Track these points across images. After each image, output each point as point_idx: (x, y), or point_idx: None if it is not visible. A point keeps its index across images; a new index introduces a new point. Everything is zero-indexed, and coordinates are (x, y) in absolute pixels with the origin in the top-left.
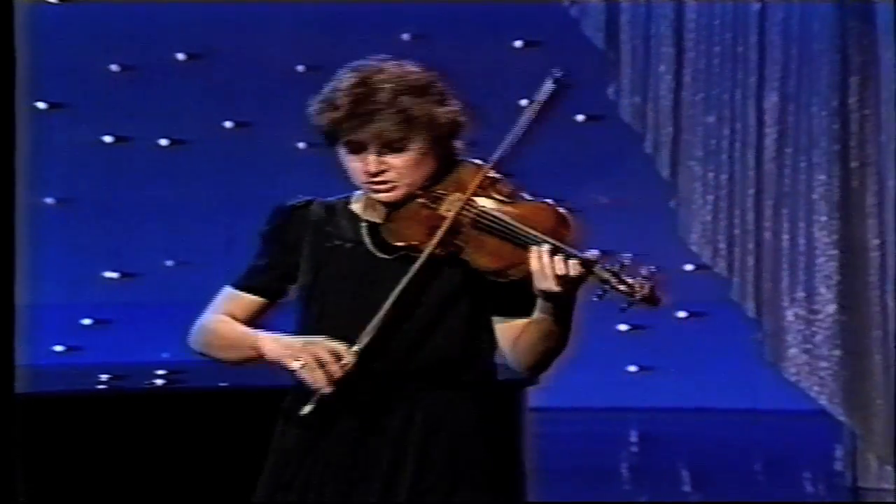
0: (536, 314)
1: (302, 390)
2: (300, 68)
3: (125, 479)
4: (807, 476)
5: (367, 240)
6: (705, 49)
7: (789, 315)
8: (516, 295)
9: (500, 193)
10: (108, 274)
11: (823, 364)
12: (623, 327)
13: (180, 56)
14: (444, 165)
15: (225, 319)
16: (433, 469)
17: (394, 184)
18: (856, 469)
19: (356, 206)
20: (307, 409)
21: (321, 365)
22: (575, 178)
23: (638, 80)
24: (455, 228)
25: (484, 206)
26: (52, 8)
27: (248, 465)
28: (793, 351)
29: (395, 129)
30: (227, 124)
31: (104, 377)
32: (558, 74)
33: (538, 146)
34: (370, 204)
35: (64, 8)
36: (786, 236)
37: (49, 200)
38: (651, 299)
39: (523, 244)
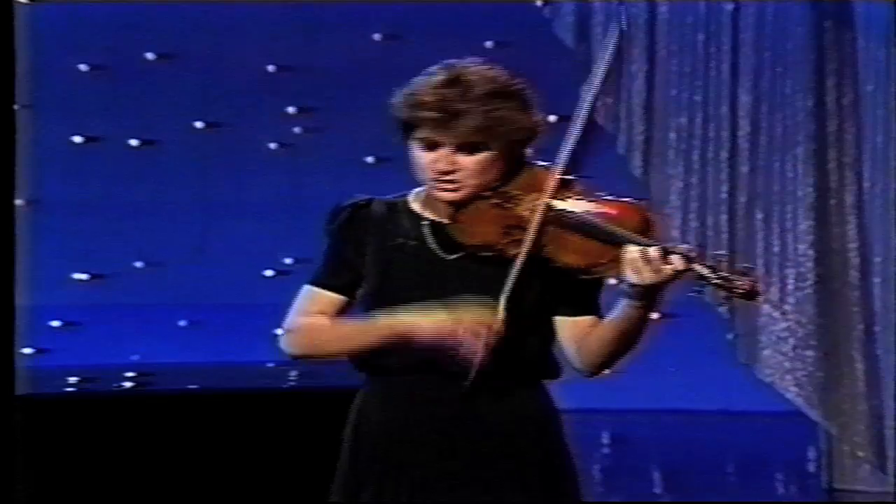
0: (619, 313)
1: (377, 388)
2: (271, 68)
3: (92, 483)
4: (780, 477)
5: (429, 239)
6: (677, 49)
7: (763, 316)
8: (585, 293)
9: (577, 193)
10: (77, 275)
11: (798, 365)
12: None
13: (150, 56)
14: (512, 169)
15: (324, 316)
16: (518, 467)
17: (460, 184)
18: (832, 470)
19: (416, 205)
20: (471, 377)
21: (477, 338)
22: None
23: (610, 81)
24: (538, 228)
25: (567, 206)
26: (20, 7)
27: (220, 466)
28: (766, 352)
29: (475, 132)
30: (198, 124)
31: (73, 380)
32: (622, 24)
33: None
34: (431, 202)
35: (32, 7)
36: (760, 236)
37: (17, 201)
38: (752, 294)
39: (610, 241)
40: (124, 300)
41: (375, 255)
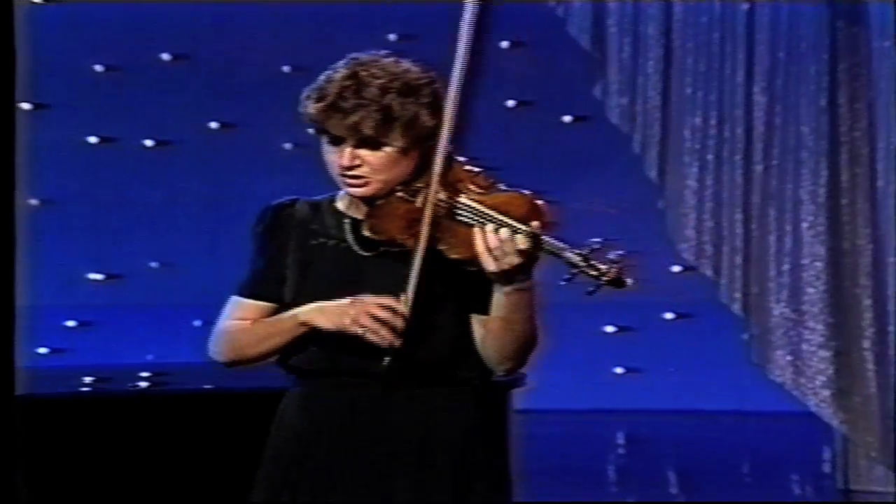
0: (495, 304)
1: (298, 391)
2: (286, 69)
3: (106, 482)
4: (795, 478)
5: (349, 236)
6: (693, 49)
7: (776, 316)
8: (487, 290)
9: (477, 186)
10: (93, 275)
11: (811, 365)
12: (610, 329)
13: (165, 56)
14: (426, 162)
15: (246, 321)
16: (434, 467)
17: (366, 179)
18: (847, 471)
19: (341, 204)
20: (386, 361)
21: (382, 323)
22: (562, 180)
23: (625, 81)
24: (434, 221)
25: (459, 198)
26: (37, 8)
27: (234, 466)
28: (779, 352)
29: (372, 126)
30: (213, 125)
31: (88, 379)
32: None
33: (525, 147)
34: (354, 200)
35: (48, 8)
36: (773, 237)
37: (32, 201)
38: (617, 282)
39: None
40: (139, 300)
41: (295, 255)
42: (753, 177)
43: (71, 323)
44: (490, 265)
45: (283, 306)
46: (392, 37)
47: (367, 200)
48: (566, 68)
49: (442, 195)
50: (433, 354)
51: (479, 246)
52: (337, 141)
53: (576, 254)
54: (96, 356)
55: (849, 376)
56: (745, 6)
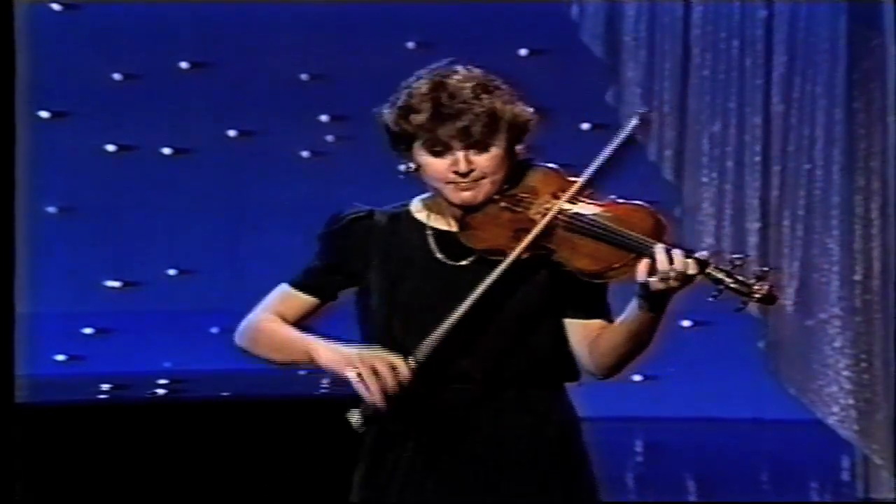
0: (631, 316)
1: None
2: (304, 77)
3: (126, 489)
4: (814, 486)
5: (435, 249)
6: (711, 56)
7: (792, 323)
8: (594, 296)
9: (589, 197)
10: (111, 283)
11: (823, 373)
12: None
13: (184, 64)
14: (513, 168)
15: (275, 319)
16: (540, 473)
17: (478, 184)
18: (867, 479)
19: (420, 214)
20: (355, 419)
21: (377, 377)
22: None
23: (642, 89)
24: (547, 231)
25: (578, 210)
26: (55, 16)
27: (250, 474)
28: (793, 360)
29: (481, 127)
30: (231, 133)
31: (106, 387)
32: (643, 111)
33: (543, 155)
34: (437, 210)
35: (67, 16)
36: (788, 242)
37: (51, 209)
38: (769, 298)
39: (621, 245)
40: (157, 307)
41: (381, 268)
42: (771, 183)
43: (89, 330)
44: (657, 285)
45: (320, 305)
46: (410, 45)
47: (465, 209)
48: (584, 76)
49: (565, 205)
50: (536, 358)
51: (641, 268)
52: (442, 150)
53: (721, 270)
54: (114, 363)
55: (861, 385)
56: (763, 13)
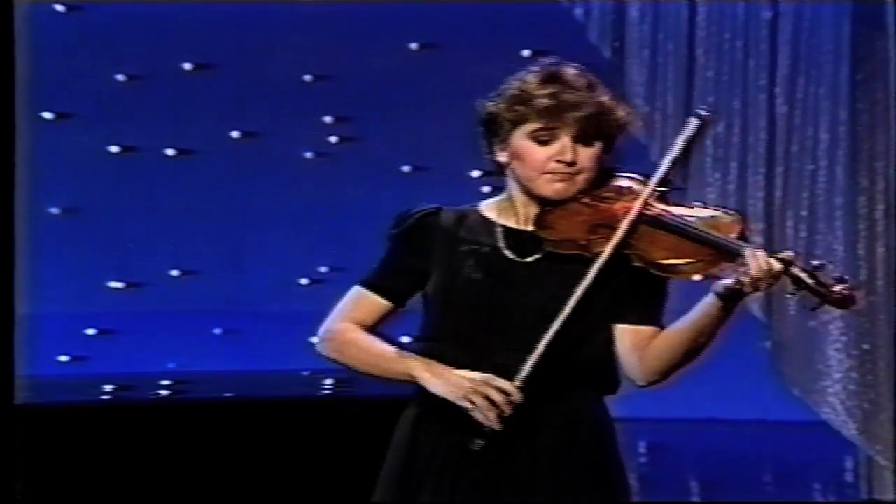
0: (700, 313)
1: (427, 399)
2: (307, 78)
3: (129, 490)
4: (817, 487)
5: (502, 243)
6: (715, 57)
7: (796, 325)
8: (652, 302)
9: (671, 203)
10: (113, 284)
11: (833, 374)
12: None
13: (187, 65)
14: (600, 174)
15: (357, 329)
16: (575, 472)
17: (576, 177)
18: (871, 480)
19: (490, 213)
20: (478, 445)
21: (492, 404)
22: None
23: (645, 89)
24: (631, 225)
25: (666, 207)
26: (58, 17)
27: (253, 475)
28: (797, 360)
29: (594, 119)
30: (234, 134)
31: (109, 388)
32: (703, 112)
33: None
34: (506, 209)
35: (69, 17)
36: (794, 245)
37: (54, 210)
38: (846, 301)
39: (706, 243)
40: (160, 308)
41: (445, 260)
42: (775, 183)
43: (92, 331)
44: (744, 283)
45: (393, 310)
46: (413, 46)
47: (546, 203)
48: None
49: (652, 201)
50: (589, 358)
51: (752, 264)
52: (549, 140)
53: (804, 270)
54: (117, 364)
55: (865, 385)
56: (768, 14)
